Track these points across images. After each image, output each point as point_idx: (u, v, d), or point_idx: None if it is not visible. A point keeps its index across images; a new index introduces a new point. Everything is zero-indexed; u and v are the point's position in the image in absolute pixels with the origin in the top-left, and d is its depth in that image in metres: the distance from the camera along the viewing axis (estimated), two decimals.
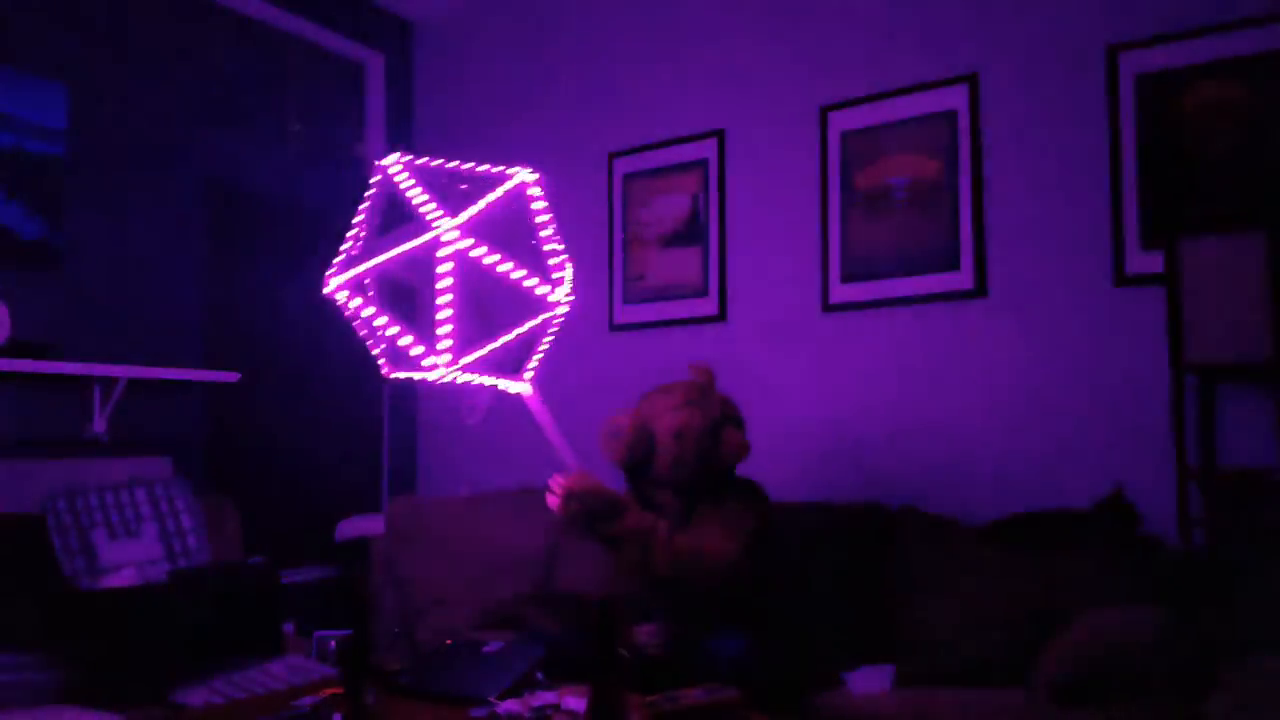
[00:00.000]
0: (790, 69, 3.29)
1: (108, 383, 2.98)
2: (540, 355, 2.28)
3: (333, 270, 2.07)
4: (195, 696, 2.20)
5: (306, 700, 1.86)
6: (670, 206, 3.52)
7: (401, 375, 2.16)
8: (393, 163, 2.16)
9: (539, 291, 2.11)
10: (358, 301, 2.04)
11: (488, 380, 2.20)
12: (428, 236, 2.04)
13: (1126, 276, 2.69)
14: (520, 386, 2.22)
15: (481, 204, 2.15)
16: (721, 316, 3.38)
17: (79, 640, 2.29)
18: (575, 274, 3.98)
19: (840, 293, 3.14)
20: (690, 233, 3.47)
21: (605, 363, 3.61)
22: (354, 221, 2.18)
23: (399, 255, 2.09)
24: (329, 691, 1.89)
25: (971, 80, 2.94)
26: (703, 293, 3.42)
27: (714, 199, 3.41)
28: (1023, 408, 2.82)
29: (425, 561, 2.98)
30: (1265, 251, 2.34)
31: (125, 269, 3.18)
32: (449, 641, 2.30)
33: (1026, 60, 2.88)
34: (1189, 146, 2.63)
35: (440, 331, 2.01)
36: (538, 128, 3.86)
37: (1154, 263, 2.60)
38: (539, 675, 1.99)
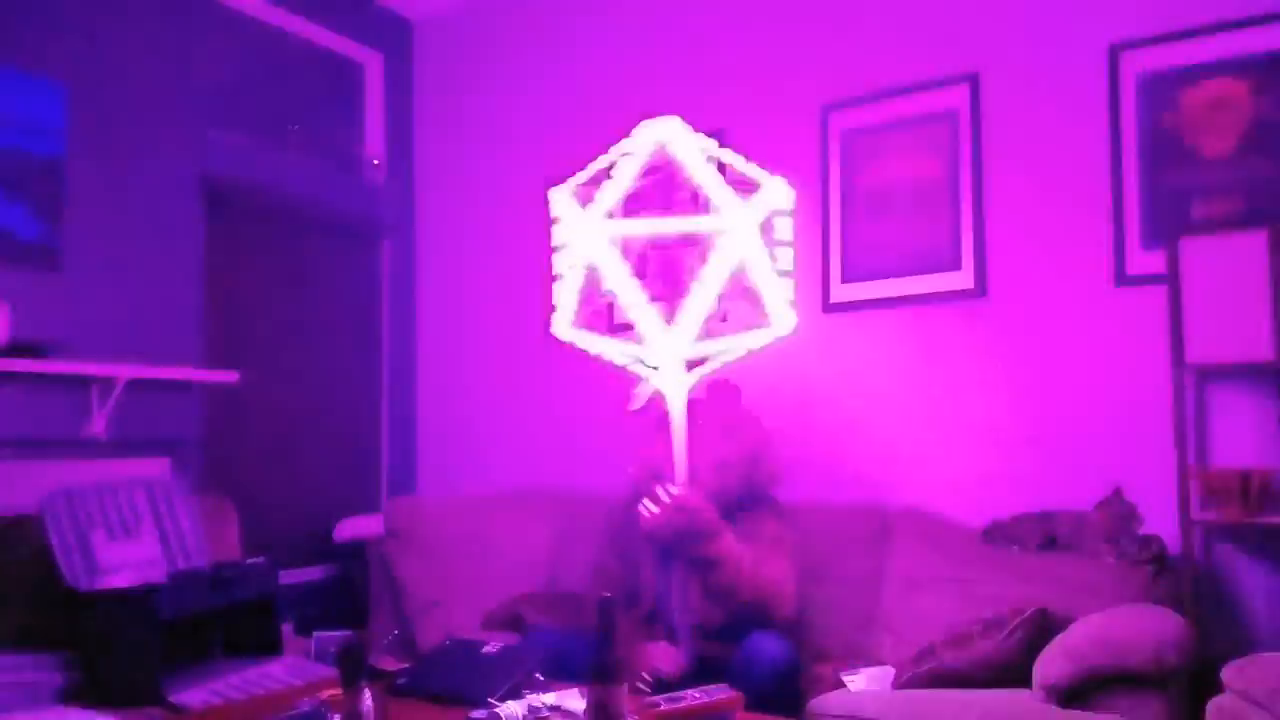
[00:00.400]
0: (791, 68, 3.28)
1: (107, 383, 2.97)
2: (714, 365, 2.28)
3: (587, 209, 2.07)
4: (194, 697, 2.20)
5: (305, 701, 1.86)
6: None
7: (569, 338, 2.17)
8: (677, 133, 2.15)
9: (772, 308, 2.15)
10: (611, 254, 2.04)
11: (655, 371, 2.21)
12: (722, 220, 2.04)
13: (1127, 276, 2.68)
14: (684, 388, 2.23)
15: (761, 205, 2.16)
16: (721, 317, 3.36)
17: (78, 641, 2.28)
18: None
19: (841, 292, 3.13)
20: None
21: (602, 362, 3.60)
22: (614, 170, 2.17)
23: (674, 227, 2.13)
24: (328, 692, 1.89)
25: (973, 80, 2.94)
26: None
27: None
28: (1023, 408, 2.81)
29: (424, 562, 2.98)
30: (1266, 251, 2.34)
31: (125, 269, 3.17)
32: (448, 642, 2.30)
33: (1028, 60, 2.87)
34: (1190, 146, 2.62)
35: (684, 315, 2.03)
36: (538, 126, 3.86)
37: (1155, 263, 2.59)
38: (539, 676, 1.99)
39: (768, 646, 2.18)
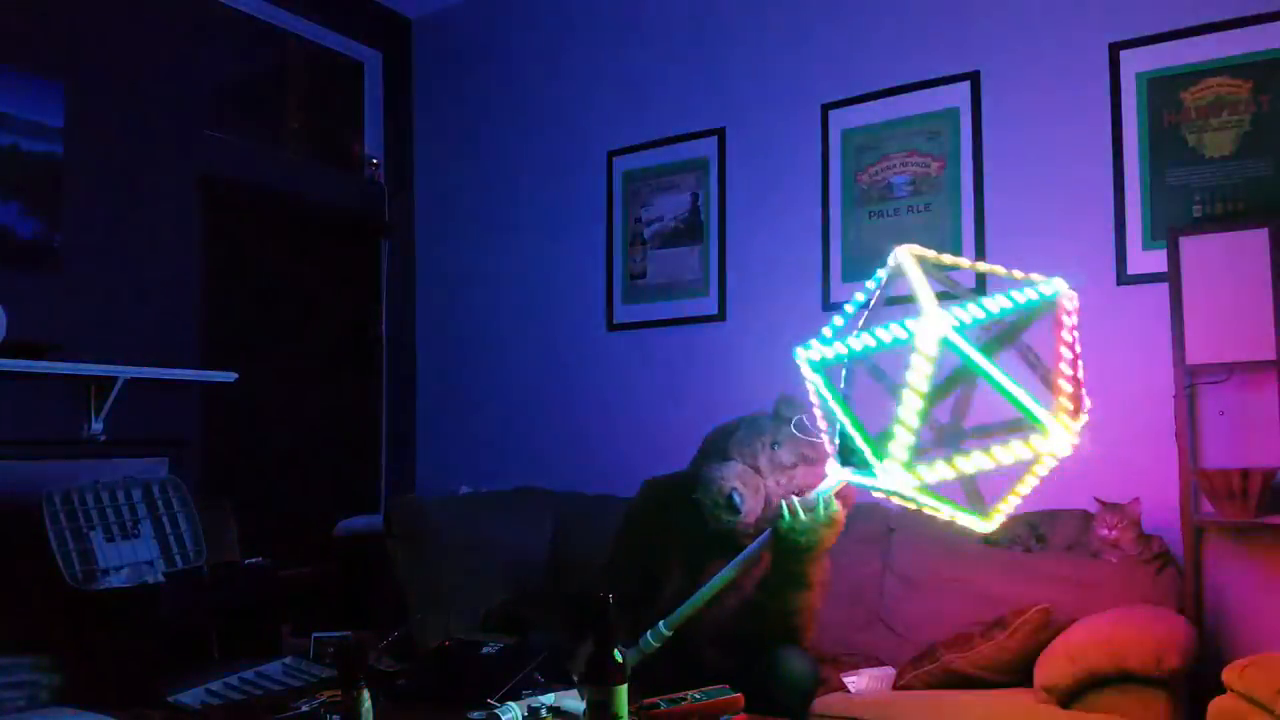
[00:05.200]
0: (791, 66, 3.28)
1: (105, 383, 2.97)
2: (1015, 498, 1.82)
3: (820, 342, 1.85)
4: (193, 697, 2.20)
5: (304, 701, 1.86)
6: (670, 205, 3.51)
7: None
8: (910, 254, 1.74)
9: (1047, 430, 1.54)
10: (826, 383, 1.76)
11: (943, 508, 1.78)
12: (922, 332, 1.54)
13: (1129, 275, 2.68)
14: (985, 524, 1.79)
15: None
16: (721, 316, 3.36)
17: (77, 641, 2.28)
18: (574, 273, 3.97)
19: (842, 291, 3.13)
20: (690, 231, 3.46)
21: (604, 362, 3.60)
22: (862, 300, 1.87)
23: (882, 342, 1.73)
24: (327, 693, 1.89)
25: (973, 78, 2.93)
26: (703, 292, 3.41)
27: (714, 197, 3.40)
28: None
29: (424, 561, 2.97)
30: (1267, 250, 2.33)
31: (123, 268, 3.17)
32: (448, 642, 2.29)
33: (1028, 58, 2.86)
34: (1191, 145, 2.62)
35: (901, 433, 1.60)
36: (537, 125, 3.85)
37: (1156, 261, 2.59)
38: (538, 676, 1.98)
39: (795, 663, 2.04)
